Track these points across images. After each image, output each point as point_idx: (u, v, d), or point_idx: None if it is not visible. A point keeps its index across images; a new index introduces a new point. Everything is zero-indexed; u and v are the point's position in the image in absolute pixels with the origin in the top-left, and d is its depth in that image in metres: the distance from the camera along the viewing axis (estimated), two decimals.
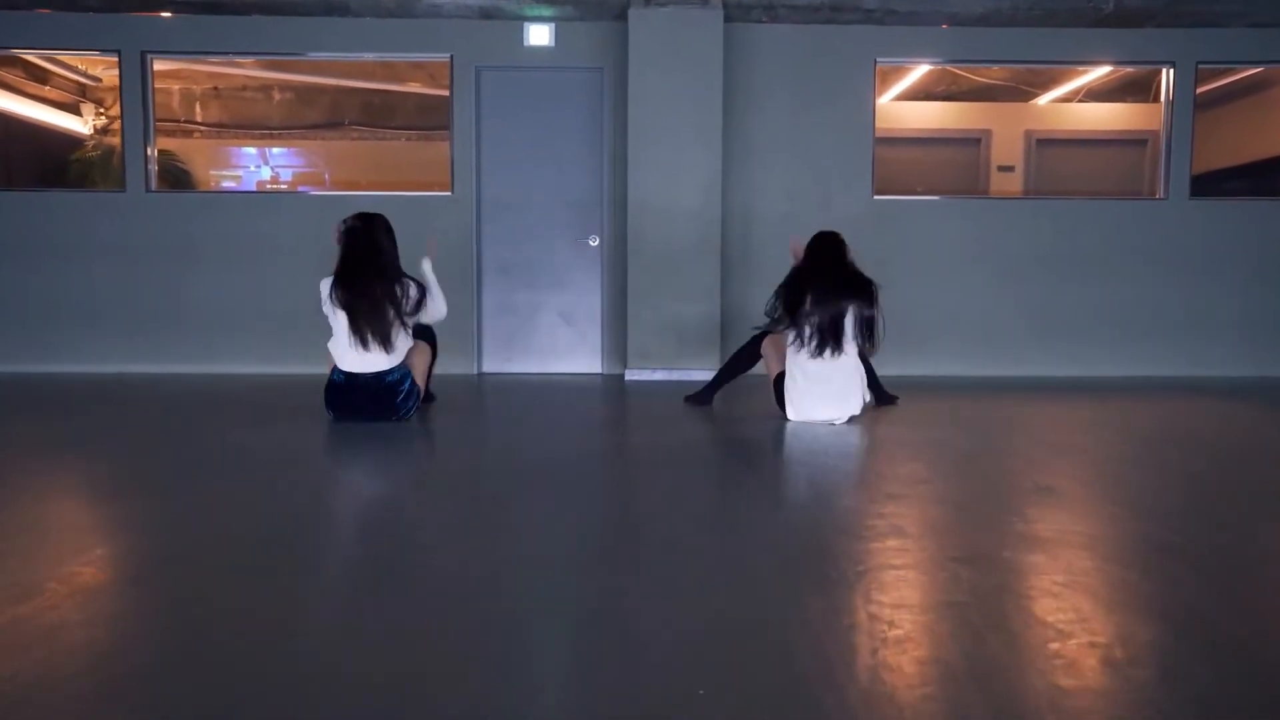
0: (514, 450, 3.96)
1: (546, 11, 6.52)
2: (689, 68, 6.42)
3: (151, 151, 6.83)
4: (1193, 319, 6.88)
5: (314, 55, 6.99)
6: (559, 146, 6.88)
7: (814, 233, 4.78)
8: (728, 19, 6.52)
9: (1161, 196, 6.92)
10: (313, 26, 6.67)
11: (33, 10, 6.54)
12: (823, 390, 4.43)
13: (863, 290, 4.49)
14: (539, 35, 6.69)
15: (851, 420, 4.46)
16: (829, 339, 4.38)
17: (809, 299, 4.45)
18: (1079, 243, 6.88)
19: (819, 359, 4.38)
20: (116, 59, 6.71)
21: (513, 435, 4.42)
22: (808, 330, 4.41)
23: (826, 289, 4.45)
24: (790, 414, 4.50)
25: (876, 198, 6.86)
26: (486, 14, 6.57)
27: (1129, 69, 7.42)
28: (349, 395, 4.36)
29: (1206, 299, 6.86)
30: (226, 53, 7.02)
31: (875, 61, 6.82)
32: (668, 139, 6.42)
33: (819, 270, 4.55)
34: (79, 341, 6.77)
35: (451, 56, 6.75)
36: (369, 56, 6.99)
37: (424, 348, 4.68)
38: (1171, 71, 6.85)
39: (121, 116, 6.79)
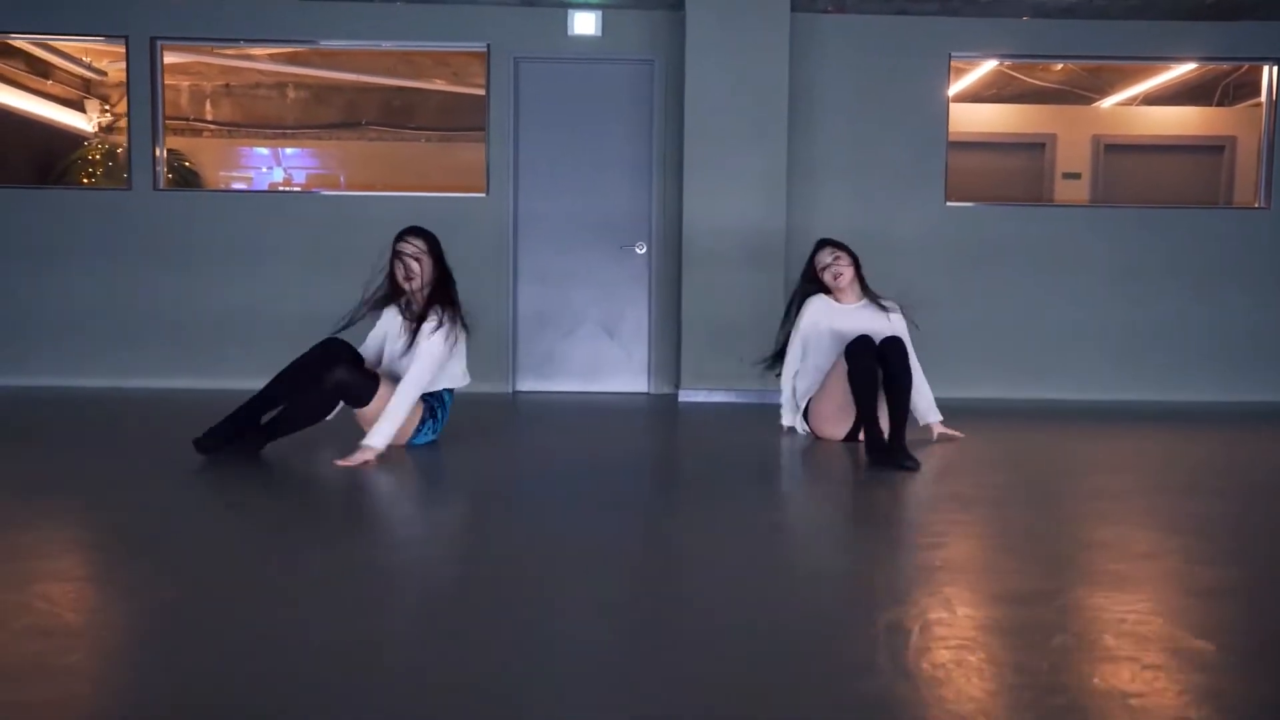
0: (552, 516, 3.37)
1: None
2: (752, 61, 5.86)
3: (160, 150, 6.27)
4: None
5: (336, 43, 6.44)
6: (604, 145, 6.31)
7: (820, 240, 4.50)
8: (793, 8, 5.97)
9: (1261, 205, 6.34)
10: (335, 12, 6.12)
11: None
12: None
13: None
14: (584, 24, 6.13)
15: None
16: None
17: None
18: (1170, 254, 6.30)
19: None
20: (124, 46, 6.15)
21: (561, 480, 3.82)
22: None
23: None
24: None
25: (950, 204, 6.29)
26: (528, 0, 6.01)
27: (1217, 65, 6.86)
28: None
29: None
30: (242, 40, 6.46)
31: (950, 56, 6.26)
32: (728, 139, 5.85)
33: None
34: (73, 352, 6.19)
35: (488, 46, 6.19)
36: (396, 45, 6.43)
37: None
38: (1275, 69, 6.28)
39: (129, 108, 6.23)
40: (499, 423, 5.02)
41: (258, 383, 3.69)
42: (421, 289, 3.84)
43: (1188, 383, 6.29)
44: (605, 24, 6.16)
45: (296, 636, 1.75)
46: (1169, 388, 6.29)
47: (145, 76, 6.15)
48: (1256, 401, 6.21)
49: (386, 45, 6.39)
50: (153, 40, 6.14)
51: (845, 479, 3.50)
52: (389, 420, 3.47)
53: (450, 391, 3.98)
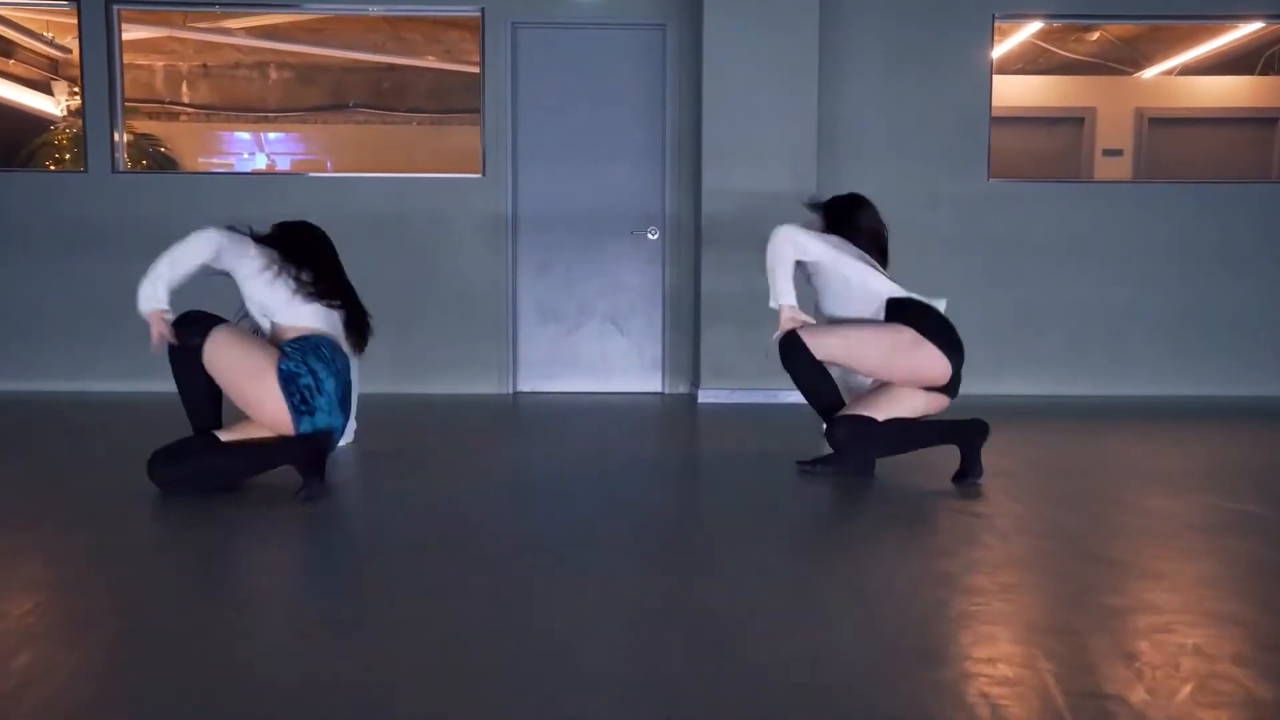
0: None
1: None
2: (777, 24, 5.26)
3: (118, 130, 5.66)
4: None
5: (319, 6, 5.85)
6: (611, 119, 5.70)
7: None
8: None
9: None
10: None
11: None
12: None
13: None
14: None
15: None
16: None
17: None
18: (1237, 234, 5.72)
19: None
20: (75, 11, 5.55)
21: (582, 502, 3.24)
22: None
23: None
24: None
25: (993, 181, 5.70)
26: None
27: (1259, 33, 6.26)
28: None
29: None
30: (213, 4, 5.85)
31: (993, 18, 5.66)
32: (751, 111, 5.26)
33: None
34: (26, 353, 5.60)
35: (483, 10, 5.59)
36: (383, 10, 5.85)
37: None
38: None
39: (81, 82, 5.62)
40: (493, 433, 4.44)
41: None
42: None
43: (1246, 375, 5.71)
44: None
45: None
46: (1229, 380, 5.71)
47: (100, 47, 5.54)
48: None
49: (374, 10, 5.80)
50: (108, 5, 5.53)
51: (934, 521, 2.92)
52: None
53: (325, 363, 2.95)
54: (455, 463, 3.55)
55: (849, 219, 3.34)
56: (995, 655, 1.65)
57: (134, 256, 5.43)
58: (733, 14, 5.25)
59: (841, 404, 3.18)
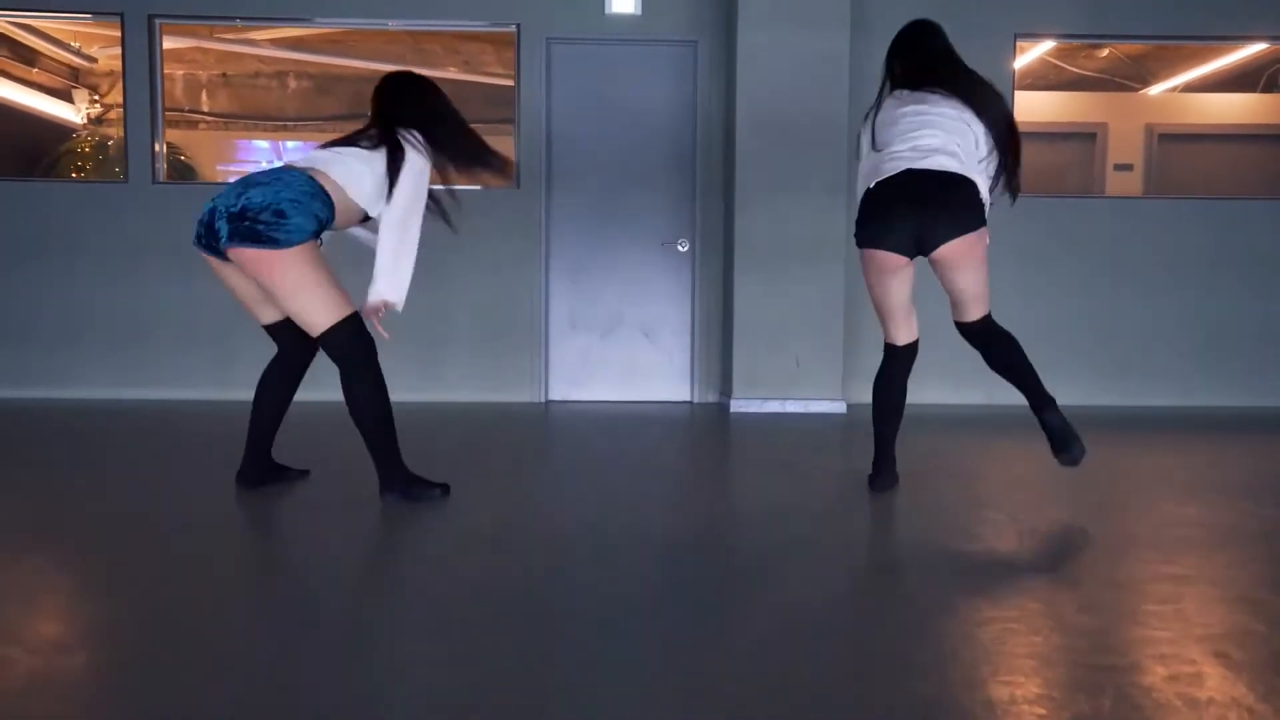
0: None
1: None
2: (810, 41, 5.38)
3: (160, 140, 5.75)
4: None
5: (352, 22, 5.95)
6: (643, 133, 5.82)
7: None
8: None
9: None
10: None
11: None
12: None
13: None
14: (623, 1, 5.64)
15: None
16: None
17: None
18: (1257, 247, 5.88)
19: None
20: (119, 26, 5.63)
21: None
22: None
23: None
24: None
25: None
26: None
27: (1263, 52, 6.43)
28: None
29: None
30: (250, 19, 5.95)
31: (1015, 35, 5.81)
32: (783, 125, 5.37)
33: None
34: (63, 361, 5.66)
35: (518, 26, 5.70)
36: (417, 25, 5.94)
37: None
38: None
39: (125, 94, 5.71)
40: (526, 450, 4.53)
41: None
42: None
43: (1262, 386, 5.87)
44: (646, 1, 5.67)
45: None
46: (1247, 391, 5.86)
47: (143, 58, 5.63)
48: None
49: (408, 25, 5.89)
50: (150, 19, 5.62)
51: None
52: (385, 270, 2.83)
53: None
54: (505, 494, 3.63)
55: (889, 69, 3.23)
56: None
57: (173, 265, 5.57)
58: (766, 30, 5.37)
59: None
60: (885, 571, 2.38)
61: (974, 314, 3.07)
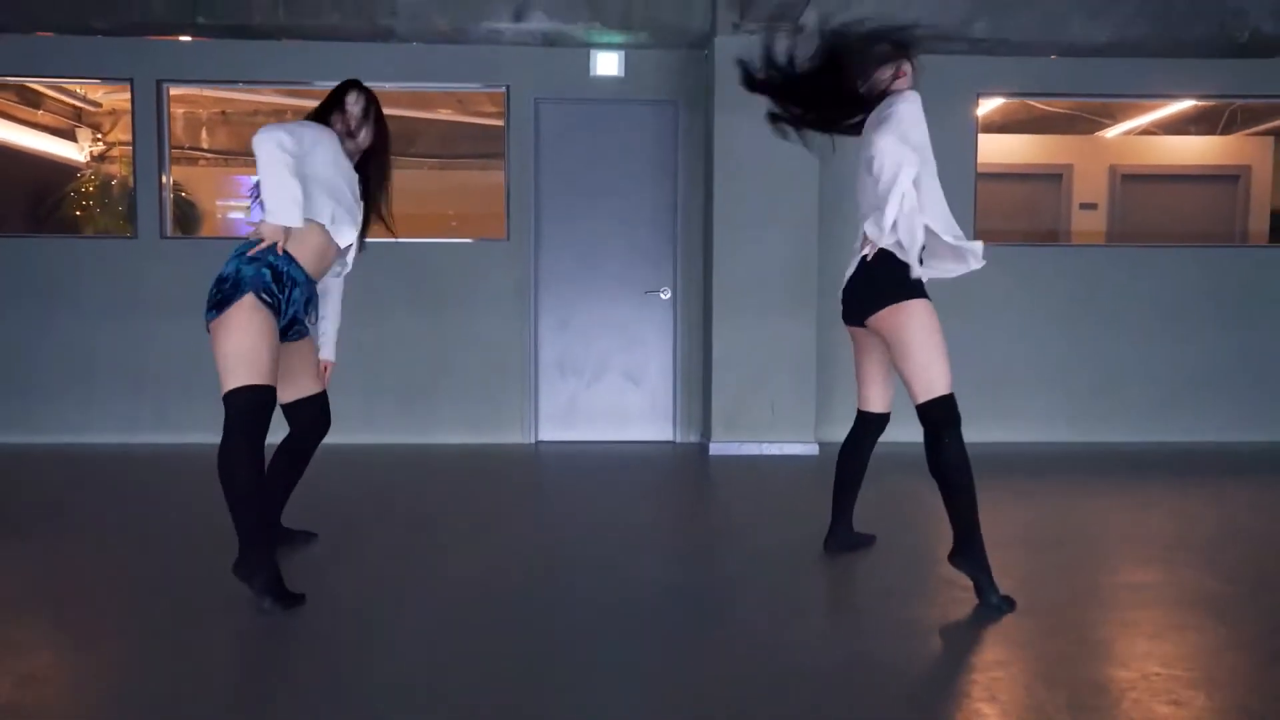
0: None
1: (617, 38, 5.79)
2: None
3: (168, 191, 6.05)
4: None
5: None
6: (626, 187, 6.14)
7: None
8: None
9: None
10: (352, 53, 5.92)
11: (33, 35, 5.77)
12: None
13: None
14: (607, 64, 5.96)
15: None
16: None
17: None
18: (1220, 291, 6.24)
19: None
20: (128, 89, 5.94)
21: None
22: None
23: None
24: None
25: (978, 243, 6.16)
26: (550, 40, 5.84)
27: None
28: None
29: None
30: (252, 82, 6.25)
31: (977, 94, 6.15)
32: (757, 181, 5.69)
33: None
34: (77, 409, 5.96)
35: (508, 87, 6.01)
36: (411, 87, 6.24)
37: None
38: None
39: (134, 154, 6.01)
40: (512, 493, 4.84)
41: (281, 436, 3.38)
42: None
43: (1230, 423, 6.23)
44: (628, 64, 5.99)
45: None
46: (1215, 428, 6.22)
47: (151, 120, 5.94)
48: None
49: (404, 88, 6.18)
50: (159, 83, 5.92)
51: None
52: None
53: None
54: (491, 538, 3.94)
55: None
56: None
57: (182, 317, 5.87)
58: (739, 95, 5.66)
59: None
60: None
61: (911, 394, 2.96)
